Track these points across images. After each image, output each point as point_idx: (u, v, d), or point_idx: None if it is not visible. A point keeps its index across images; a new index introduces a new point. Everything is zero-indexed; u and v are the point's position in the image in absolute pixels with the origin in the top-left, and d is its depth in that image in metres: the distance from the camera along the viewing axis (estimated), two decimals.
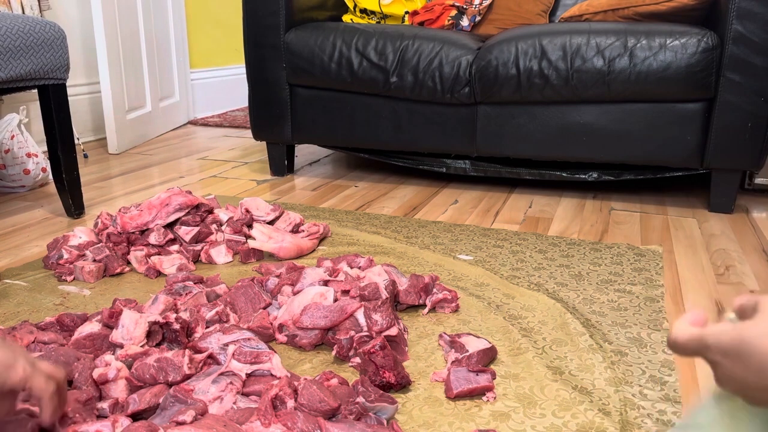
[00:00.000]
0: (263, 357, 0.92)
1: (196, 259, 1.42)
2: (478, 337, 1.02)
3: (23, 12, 2.29)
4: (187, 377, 0.88)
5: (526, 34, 1.81)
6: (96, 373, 0.87)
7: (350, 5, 2.39)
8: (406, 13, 2.32)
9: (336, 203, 1.88)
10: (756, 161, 1.70)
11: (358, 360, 0.97)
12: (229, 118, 3.29)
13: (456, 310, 1.17)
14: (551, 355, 1.02)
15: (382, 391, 0.87)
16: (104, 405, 0.83)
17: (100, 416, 0.82)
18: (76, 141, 1.86)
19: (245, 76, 2.11)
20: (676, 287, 1.30)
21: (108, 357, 0.92)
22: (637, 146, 1.77)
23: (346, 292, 1.12)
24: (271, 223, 1.53)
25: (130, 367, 0.91)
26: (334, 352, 1.01)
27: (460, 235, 1.58)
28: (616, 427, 0.85)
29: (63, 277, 1.31)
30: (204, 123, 3.18)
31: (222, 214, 1.51)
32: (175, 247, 1.42)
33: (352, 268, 1.24)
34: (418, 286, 1.17)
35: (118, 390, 0.87)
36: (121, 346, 0.95)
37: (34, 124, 2.43)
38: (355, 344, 0.99)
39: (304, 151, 2.55)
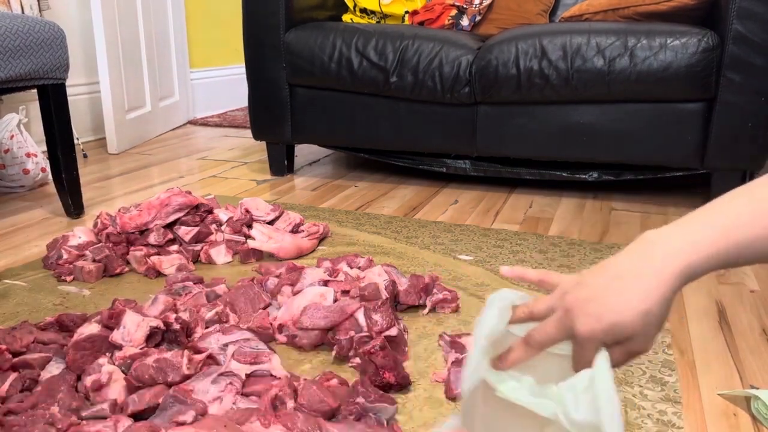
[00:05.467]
0: (263, 357, 0.92)
1: (196, 259, 1.42)
2: None
3: (23, 12, 2.29)
4: (187, 378, 0.88)
5: (526, 34, 1.80)
6: (89, 381, 0.87)
7: (350, 5, 2.39)
8: (406, 12, 2.32)
9: (336, 203, 1.88)
10: (756, 161, 1.70)
11: (358, 360, 0.97)
12: (228, 118, 3.29)
13: (456, 310, 1.17)
14: None
15: (382, 392, 0.87)
16: (104, 405, 0.83)
17: (100, 417, 0.82)
18: (75, 141, 1.86)
19: (245, 76, 2.11)
20: None
21: (101, 360, 0.91)
22: (637, 146, 1.76)
23: (346, 293, 1.11)
24: (271, 223, 1.52)
25: (128, 369, 0.90)
26: (334, 353, 1.01)
27: (460, 235, 1.57)
28: None
29: (62, 277, 1.31)
30: (204, 123, 3.18)
31: (222, 214, 1.51)
32: (175, 247, 1.42)
33: (351, 268, 1.24)
34: (418, 286, 1.17)
35: (116, 392, 0.87)
36: (120, 348, 0.95)
37: (34, 124, 2.42)
38: (355, 344, 0.99)
39: (304, 151, 2.55)
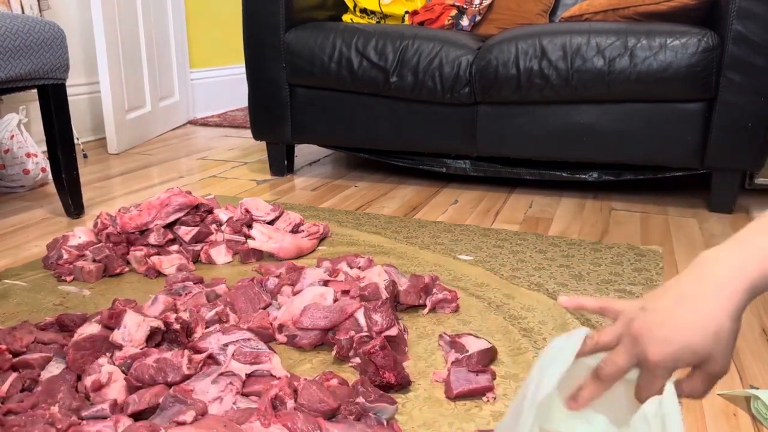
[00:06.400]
0: (263, 357, 0.92)
1: (196, 259, 1.42)
2: (478, 338, 1.01)
3: (23, 12, 2.29)
4: (187, 378, 0.88)
5: (526, 34, 1.80)
6: (89, 381, 0.87)
7: (350, 5, 2.39)
8: (406, 12, 2.32)
9: (336, 203, 1.88)
10: (756, 161, 1.70)
11: (358, 360, 0.97)
12: (228, 118, 3.29)
13: (456, 310, 1.17)
14: None
15: (382, 392, 0.87)
16: (104, 405, 0.83)
17: (100, 417, 0.82)
18: (75, 141, 1.86)
19: (245, 76, 2.11)
20: None
21: (101, 360, 0.91)
22: (637, 146, 1.76)
23: (346, 293, 1.11)
24: (271, 223, 1.53)
25: (128, 369, 0.90)
26: (334, 353, 1.01)
27: (460, 235, 1.57)
28: None
29: (62, 278, 1.31)
30: (204, 123, 3.18)
31: (222, 214, 1.51)
32: (175, 247, 1.42)
33: (351, 268, 1.24)
34: (418, 287, 1.17)
35: (115, 392, 0.87)
36: (120, 348, 0.95)
37: (34, 124, 2.42)
38: (355, 344, 0.99)
39: (304, 151, 2.55)
